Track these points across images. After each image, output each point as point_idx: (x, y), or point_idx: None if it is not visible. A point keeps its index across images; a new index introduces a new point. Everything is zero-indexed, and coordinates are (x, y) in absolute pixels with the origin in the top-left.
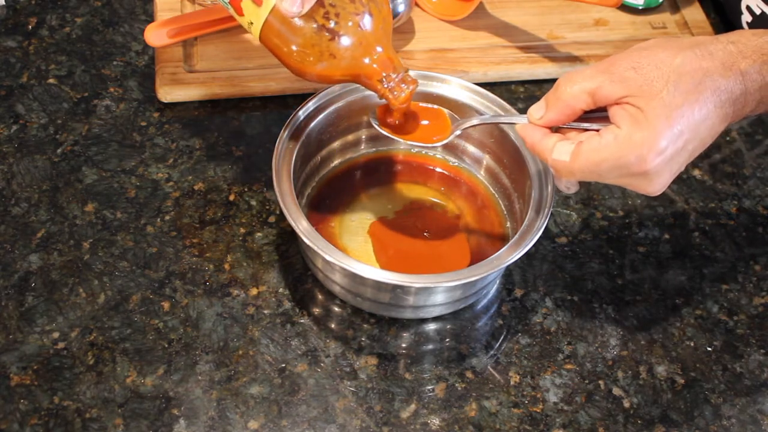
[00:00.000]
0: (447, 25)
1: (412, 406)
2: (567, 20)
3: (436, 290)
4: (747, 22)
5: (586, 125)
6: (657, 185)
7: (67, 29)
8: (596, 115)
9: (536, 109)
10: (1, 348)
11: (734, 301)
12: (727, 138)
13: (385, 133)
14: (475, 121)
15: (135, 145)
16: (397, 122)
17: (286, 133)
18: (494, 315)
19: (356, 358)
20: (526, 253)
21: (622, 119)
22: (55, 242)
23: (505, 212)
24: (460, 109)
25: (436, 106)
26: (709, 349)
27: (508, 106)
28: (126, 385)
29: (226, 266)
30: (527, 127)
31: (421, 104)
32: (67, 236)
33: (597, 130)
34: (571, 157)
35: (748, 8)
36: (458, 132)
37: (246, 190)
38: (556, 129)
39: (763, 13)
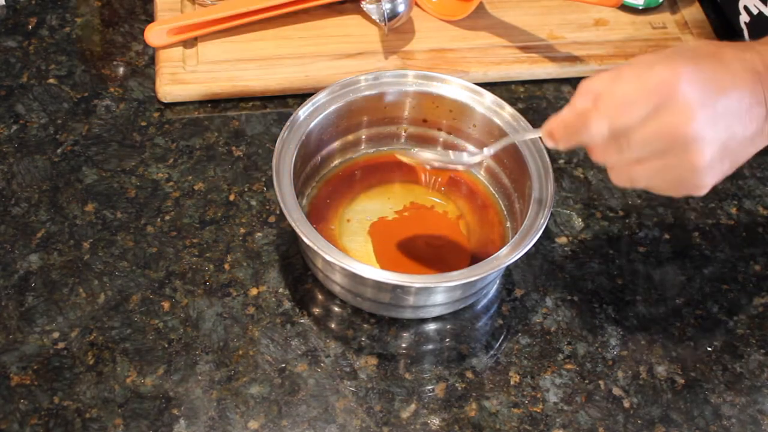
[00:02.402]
0: (447, 25)
1: (412, 406)
2: (567, 20)
3: (436, 290)
4: (745, 23)
5: None
6: (701, 141)
7: (67, 29)
8: None
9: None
10: (1, 348)
11: (734, 301)
12: None
13: None
14: (503, 143)
15: (135, 145)
16: None
17: (286, 133)
18: (494, 315)
19: (356, 358)
20: (526, 253)
21: None
22: (55, 242)
23: (505, 212)
24: (460, 109)
25: None
26: (709, 349)
27: (507, 106)
28: (126, 385)
29: (226, 266)
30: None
31: None
32: (67, 236)
33: None
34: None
35: (746, 8)
36: (490, 153)
37: (246, 190)
38: None
39: (760, 13)
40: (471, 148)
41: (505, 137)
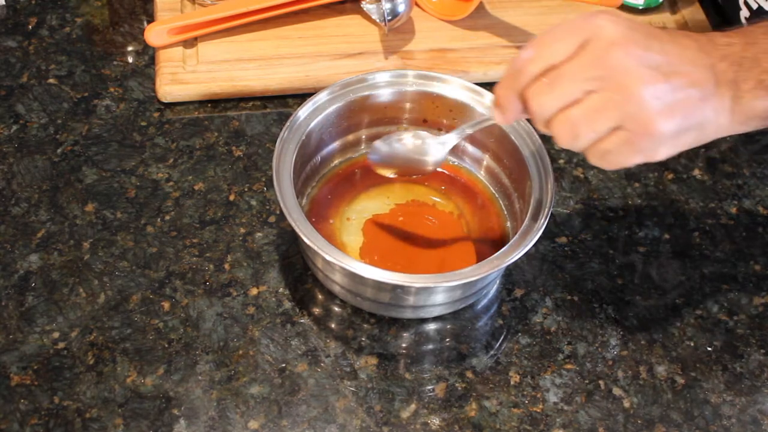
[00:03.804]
0: (447, 24)
1: (412, 406)
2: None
3: (436, 290)
4: (745, 18)
5: None
6: (644, 92)
7: (67, 29)
8: None
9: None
10: (1, 348)
11: (734, 301)
12: (727, 138)
13: None
14: (462, 133)
15: (135, 145)
16: None
17: (286, 132)
18: (494, 315)
19: (356, 358)
20: (526, 253)
21: None
22: (55, 242)
23: (505, 212)
24: (460, 109)
25: None
26: (709, 349)
27: None
28: (126, 385)
29: (226, 266)
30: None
31: None
32: (67, 236)
33: None
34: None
35: (746, 3)
36: (455, 142)
37: (246, 190)
38: None
39: (760, 7)
40: (471, 147)
41: (463, 126)
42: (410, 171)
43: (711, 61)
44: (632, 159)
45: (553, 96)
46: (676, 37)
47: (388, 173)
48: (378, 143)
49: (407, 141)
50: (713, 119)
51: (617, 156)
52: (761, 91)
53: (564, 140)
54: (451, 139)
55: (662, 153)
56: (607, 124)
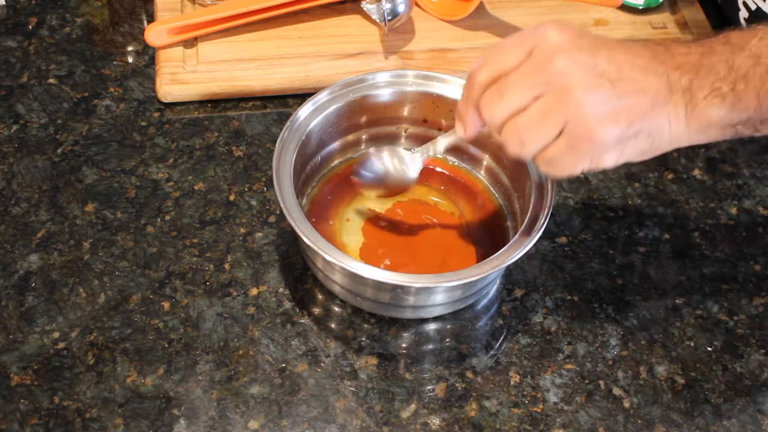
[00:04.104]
0: (447, 24)
1: (413, 406)
2: (567, 20)
3: (436, 290)
4: (744, 18)
5: None
6: (587, 103)
7: (68, 29)
8: None
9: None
10: (1, 348)
11: (734, 301)
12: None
13: None
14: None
15: (135, 145)
16: None
17: (286, 132)
18: (494, 315)
19: (356, 358)
20: (526, 253)
21: None
22: (55, 242)
23: (505, 212)
24: None
25: None
26: (710, 349)
27: None
28: (126, 385)
29: (227, 266)
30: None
31: None
32: (67, 236)
33: None
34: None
35: (745, 4)
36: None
37: (246, 190)
38: None
39: (758, 8)
40: (471, 147)
41: (434, 142)
42: (392, 188)
43: (665, 69)
44: (577, 166)
45: (501, 104)
46: (631, 48)
47: (373, 193)
48: (358, 166)
49: (385, 159)
50: (666, 127)
51: (563, 163)
52: (716, 98)
53: (513, 147)
54: (425, 151)
55: (609, 160)
56: (551, 130)
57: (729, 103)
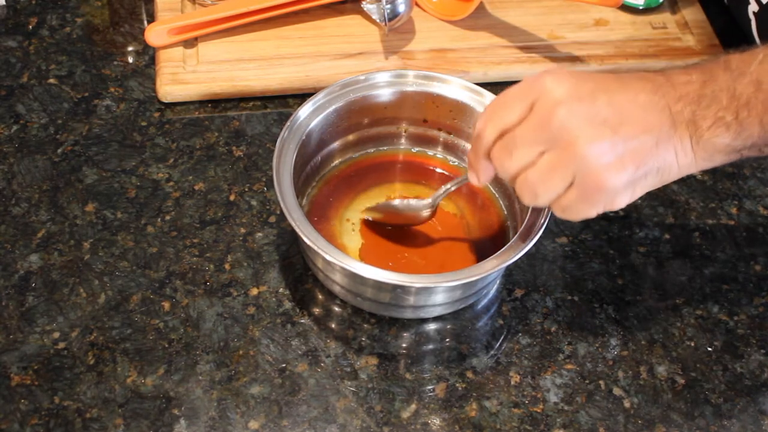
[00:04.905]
0: (447, 25)
1: (413, 406)
2: (567, 20)
3: (436, 290)
4: (753, 12)
5: None
6: (588, 147)
7: (68, 29)
8: None
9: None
10: (1, 348)
11: (734, 301)
12: None
13: None
14: (448, 187)
15: (135, 145)
16: None
17: (287, 132)
18: (495, 315)
19: (356, 358)
20: (526, 253)
21: None
22: (55, 242)
23: (506, 212)
24: (460, 109)
25: None
26: (710, 349)
27: None
28: (126, 385)
29: (227, 266)
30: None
31: None
32: (67, 236)
33: None
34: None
35: None
36: (439, 198)
37: (246, 190)
38: None
39: None
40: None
41: (446, 185)
42: (404, 221)
43: (666, 102)
44: (591, 211)
45: (510, 161)
46: (629, 83)
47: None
48: (370, 208)
49: (398, 205)
50: (673, 161)
51: (576, 210)
52: (720, 128)
53: (526, 199)
54: (436, 197)
55: (621, 201)
56: (560, 183)
57: (733, 132)
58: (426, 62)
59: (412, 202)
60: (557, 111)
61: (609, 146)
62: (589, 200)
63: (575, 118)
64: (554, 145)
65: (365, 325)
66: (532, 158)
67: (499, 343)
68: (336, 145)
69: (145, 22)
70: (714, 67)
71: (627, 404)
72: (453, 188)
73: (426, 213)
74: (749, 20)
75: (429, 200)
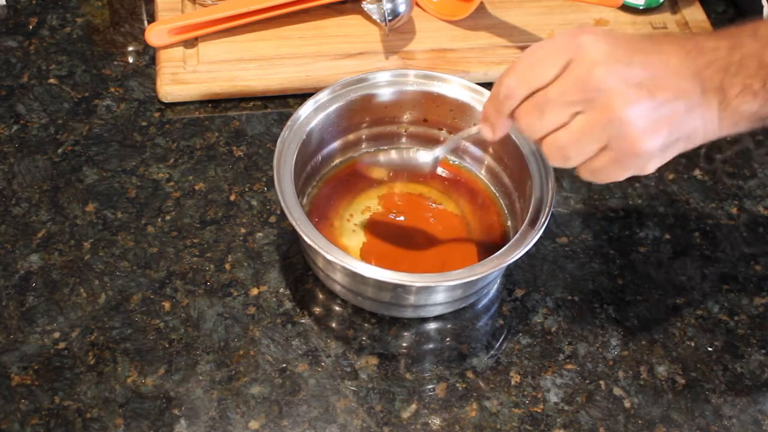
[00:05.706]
0: (447, 25)
1: (413, 406)
2: (568, 20)
3: (436, 289)
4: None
5: None
6: (620, 100)
7: (68, 29)
8: None
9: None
10: (1, 348)
11: (735, 301)
12: (728, 138)
13: None
14: (450, 143)
15: (135, 145)
16: None
17: (287, 132)
18: (495, 315)
19: (357, 358)
20: (526, 252)
21: None
22: (55, 242)
23: (506, 211)
24: (460, 109)
25: None
26: (710, 349)
27: None
28: (127, 385)
29: (227, 266)
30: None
31: None
32: (67, 236)
33: None
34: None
35: None
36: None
37: (247, 190)
38: None
39: None
40: (472, 147)
41: (451, 137)
42: (403, 171)
43: (696, 68)
44: (622, 175)
45: (542, 121)
46: (661, 46)
47: (381, 174)
48: (369, 155)
49: (399, 153)
50: (701, 127)
51: (607, 173)
52: (748, 96)
53: (555, 161)
54: (441, 150)
55: (652, 167)
56: (594, 145)
57: (761, 99)
58: (426, 62)
59: (419, 153)
60: (596, 71)
61: (645, 110)
62: (622, 164)
63: (614, 79)
64: (590, 107)
65: (365, 325)
66: (564, 119)
67: (499, 343)
68: (336, 144)
69: (146, 22)
70: (741, 34)
71: (627, 404)
72: (462, 141)
73: (430, 166)
74: (761, 6)
75: (436, 151)
